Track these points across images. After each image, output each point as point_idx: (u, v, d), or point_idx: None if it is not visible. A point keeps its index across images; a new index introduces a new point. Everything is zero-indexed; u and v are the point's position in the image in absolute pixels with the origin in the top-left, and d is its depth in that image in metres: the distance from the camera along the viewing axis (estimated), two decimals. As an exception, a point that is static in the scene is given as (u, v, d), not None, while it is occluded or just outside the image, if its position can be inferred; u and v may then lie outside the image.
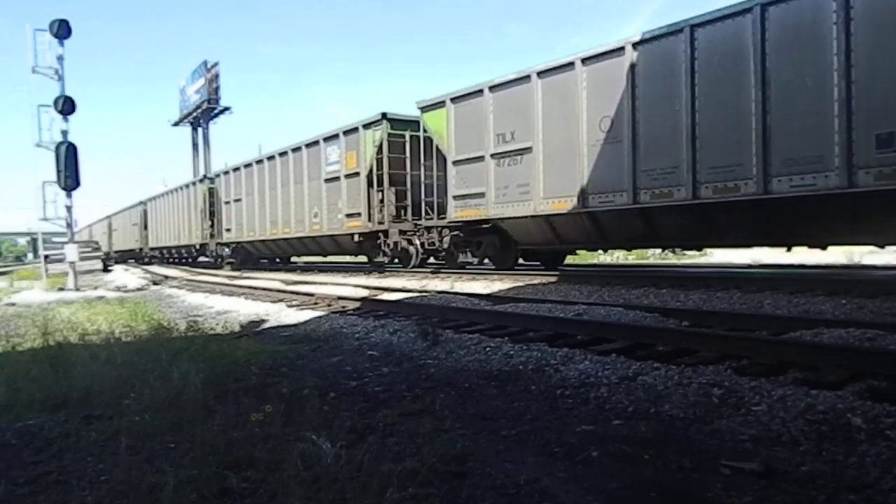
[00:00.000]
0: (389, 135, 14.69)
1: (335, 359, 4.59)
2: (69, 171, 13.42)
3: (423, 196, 14.87)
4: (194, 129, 51.89)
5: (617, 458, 2.38)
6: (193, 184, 26.75)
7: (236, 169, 22.36)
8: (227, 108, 49.44)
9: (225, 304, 9.28)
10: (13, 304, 10.56)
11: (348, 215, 15.84)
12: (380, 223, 14.95)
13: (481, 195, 11.77)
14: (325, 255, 19.85)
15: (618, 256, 20.49)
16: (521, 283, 10.10)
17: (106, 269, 25.11)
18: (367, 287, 10.53)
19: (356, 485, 2.06)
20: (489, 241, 12.34)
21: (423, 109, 13.17)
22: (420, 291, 9.17)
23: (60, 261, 16.26)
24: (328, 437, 2.41)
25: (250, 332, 6.22)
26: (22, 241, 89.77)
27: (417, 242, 14.31)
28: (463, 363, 4.18)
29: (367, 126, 14.95)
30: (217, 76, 48.46)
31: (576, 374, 3.63)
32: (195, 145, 51.79)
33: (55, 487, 2.28)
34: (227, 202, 22.74)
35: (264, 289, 11.02)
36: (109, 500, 2.13)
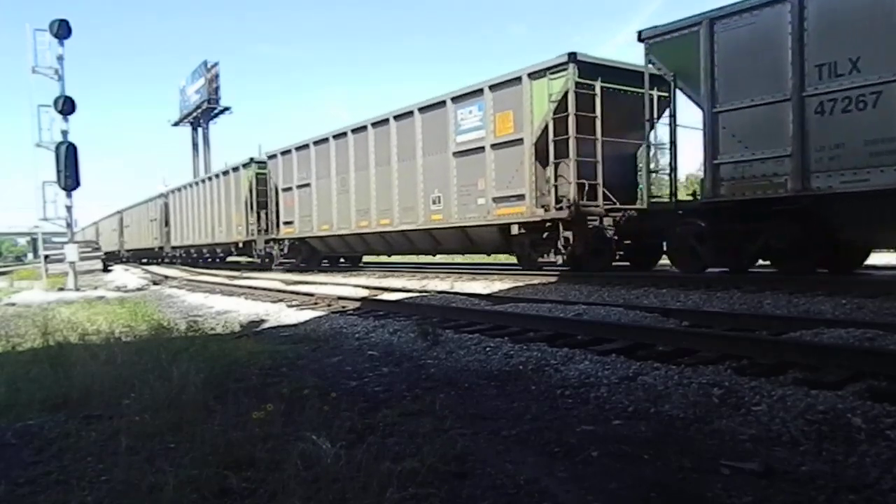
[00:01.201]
0: (577, 84, 10.46)
1: (335, 359, 4.59)
2: (69, 171, 13.42)
3: (618, 172, 11.09)
4: (194, 130, 51.95)
5: (617, 458, 2.38)
6: (235, 169, 22.17)
7: (302, 147, 17.92)
8: (227, 109, 49.55)
9: (225, 304, 9.29)
10: (13, 304, 10.56)
11: (498, 199, 11.76)
12: (557, 209, 10.71)
13: (779, 159, 7.67)
14: (434, 254, 15.77)
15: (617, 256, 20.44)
16: (521, 283, 10.10)
17: (106, 269, 25.11)
18: (367, 287, 10.53)
19: (356, 485, 2.06)
20: (789, 233, 7.97)
21: (651, 41, 9.12)
22: (420, 291, 9.17)
23: (60, 261, 16.27)
24: (328, 437, 2.41)
25: (250, 332, 6.22)
26: (22, 241, 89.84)
27: (611, 236, 10.71)
28: (463, 363, 4.18)
29: (536, 75, 10.93)
30: (217, 76, 48.54)
31: (576, 374, 3.63)
32: (195, 145, 51.85)
33: (55, 487, 2.28)
34: (287, 189, 18.64)
35: (264, 289, 11.02)
36: (109, 500, 2.13)
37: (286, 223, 19.11)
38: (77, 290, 13.15)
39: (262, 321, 7.16)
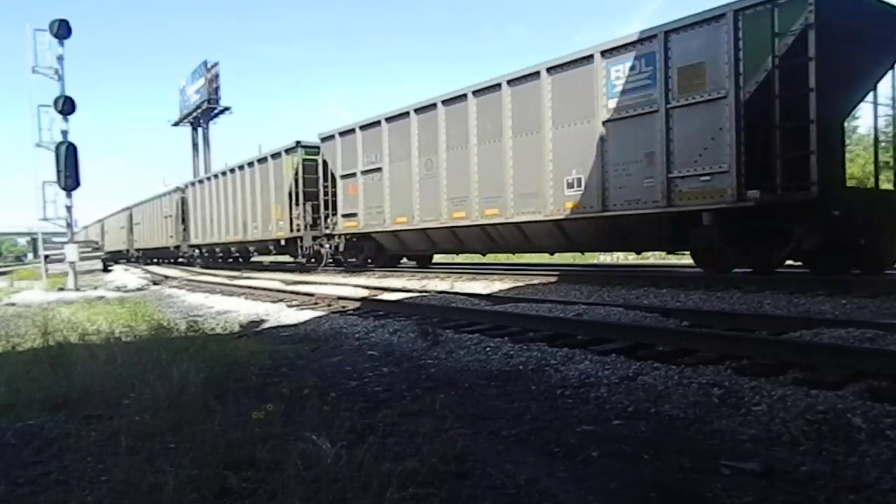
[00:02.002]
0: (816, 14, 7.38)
1: (335, 359, 4.59)
2: (69, 171, 13.42)
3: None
4: (194, 130, 51.92)
5: (617, 457, 2.38)
6: (276, 155, 18.89)
7: (369, 125, 14.79)
8: (226, 109, 49.51)
9: (225, 304, 9.29)
10: (13, 304, 10.56)
11: (679, 179, 8.68)
12: (787, 189, 7.78)
13: None
14: (553, 253, 12.88)
15: (617, 256, 20.51)
16: (521, 283, 10.10)
17: (106, 269, 25.10)
18: (367, 287, 10.53)
19: (356, 485, 2.06)
20: None
21: None
22: (420, 291, 9.17)
23: (60, 261, 16.27)
24: (328, 437, 2.41)
25: (250, 332, 6.22)
26: (22, 241, 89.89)
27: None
28: (463, 363, 4.18)
29: (750, 8, 7.91)
30: (217, 76, 48.50)
31: (576, 374, 3.63)
32: (195, 145, 51.83)
33: (55, 487, 2.28)
34: (349, 175, 15.57)
35: (264, 289, 11.03)
36: (109, 500, 2.13)
37: (347, 216, 15.87)
38: (77, 290, 13.16)
39: (262, 321, 7.16)
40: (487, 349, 4.44)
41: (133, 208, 38.04)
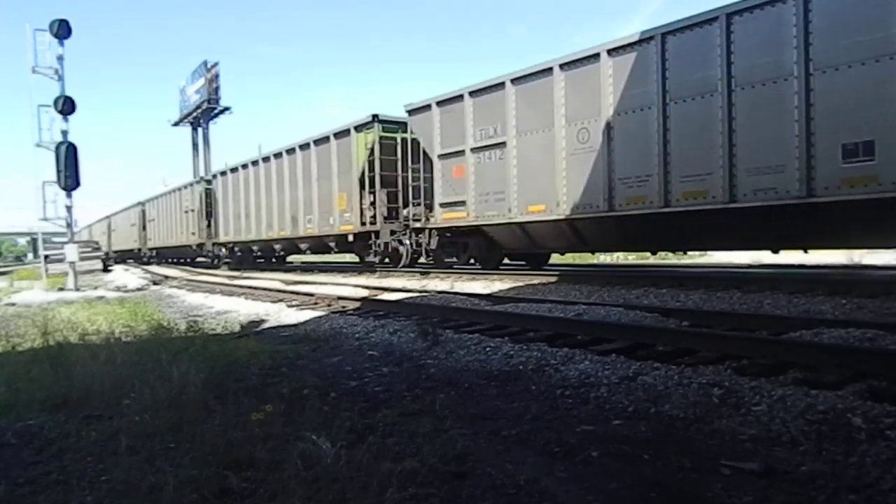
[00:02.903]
0: None
1: (335, 359, 4.59)
2: (69, 171, 13.42)
3: None
4: (194, 130, 51.89)
5: (617, 457, 2.38)
6: (341, 134, 15.53)
7: (483, 89, 11.70)
8: (227, 109, 49.43)
9: (225, 304, 9.28)
10: (13, 304, 10.56)
11: None
12: None
13: None
14: (771, 250, 9.04)
15: (617, 257, 20.53)
16: (521, 283, 10.10)
17: (106, 269, 25.09)
18: (367, 287, 10.53)
19: (356, 485, 2.06)
20: None
21: None
22: (420, 291, 9.17)
23: (60, 261, 16.27)
24: (328, 437, 2.42)
25: (250, 332, 6.22)
26: (22, 241, 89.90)
27: None
28: (463, 363, 4.18)
29: None
30: (217, 76, 48.45)
31: (576, 374, 3.63)
32: (195, 145, 51.78)
33: (55, 487, 2.28)
34: (452, 154, 12.23)
35: (264, 289, 11.02)
36: (109, 500, 2.13)
37: (448, 205, 12.53)
38: (77, 290, 13.15)
39: (262, 321, 7.16)
40: (487, 349, 4.44)
41: (146, 203, 34.17)
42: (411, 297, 8.33)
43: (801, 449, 2.37)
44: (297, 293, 9.57)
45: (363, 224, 15.23)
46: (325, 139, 16.59)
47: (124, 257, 38.05)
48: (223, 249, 23.93)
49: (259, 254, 22.48)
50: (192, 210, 25.80)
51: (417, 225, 14.05)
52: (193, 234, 25.72)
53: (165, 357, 3.92)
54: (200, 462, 2.31)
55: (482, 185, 11.91)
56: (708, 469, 2.24)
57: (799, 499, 1.98)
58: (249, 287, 11.82)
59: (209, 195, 24.89)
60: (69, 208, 14.16)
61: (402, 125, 14.91)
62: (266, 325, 6.82)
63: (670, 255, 19.19)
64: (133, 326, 6.32)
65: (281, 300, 9.07)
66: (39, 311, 8.63)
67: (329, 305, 8.08)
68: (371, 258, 15.47)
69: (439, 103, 12.75)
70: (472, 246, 13.03)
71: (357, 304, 7.73)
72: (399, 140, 15.07)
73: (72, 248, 14.38)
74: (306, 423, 2.74)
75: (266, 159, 20.03)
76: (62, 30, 13.36)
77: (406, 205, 14.89)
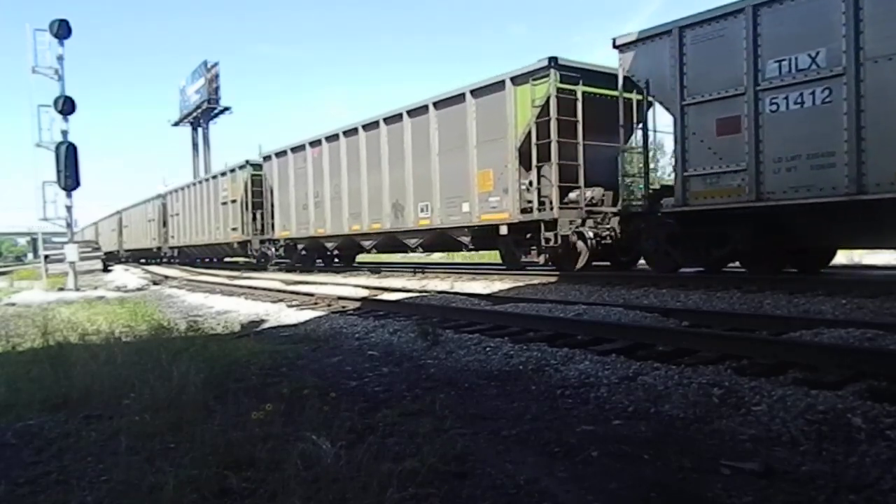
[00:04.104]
0: None
1: (335, 359, 4.59)
2: (69, 171, 13.42)
3: None
4: (194, 130, 51.95)
5: (617, 458, 2.38)
6: (465, 96, 12.09)
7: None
8: (226, 108, 49.54)
9: (225, 304, 9.29)
10: (13, 304, 10.56)
11: None
12: None
13: None
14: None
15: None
16: (521, 283, 10.10)
17: (106, 269, 25.09)
18: (367, 287, 10.53)
19: (356, 485, 2.06)
20: None
21: None
22: (420, 291, 9.18)
23: (60, 261, 16.27)
24: (328, 437, 2.42)
25: (250, 332, 6.22)
26: (22, 241, 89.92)
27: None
28: (463, 363, 4.18)
29: None
30: (217, 76, 48.54)
31: (576, 374, 3.63)
32: (195, 145, 51.86)
33: (55, 487, 2.28)
34: (708, 102, 8.48)
35: (264, 289, 11.03)
36: (109, 500, 2.13)
37: (707, 177, 8.56)
38: (77, 290, 13.15)
39: (262, 321, 7.16)
40: (487, 349, 4.44)
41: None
42: (411, 297, 8.33)
43: (801, 449, 2.37)
44: (297, 293, 9.58)
45: (524, 211, 11.14)
46: (455, 99, 12.30)
47: (139, 257, 35.59)
48: (273, 248, 19.97)
49: (336, 252, 18.09)
50: (233, 201, 21.67)
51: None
52: (234, 229, 21.65)
53: (165, 357, 3.93)
54: (200, 462, 2.31)
55: (780, 145, 7.89)
56: (708, 469, 2.24)
57: (799, 499, 1.98)
58: (249, 287, 11.82)
59: (257, 182, 20.63)
60: (69, 208, 14.16)
61: (584, 74, 10.98)
62: (266, 325, 6.82)
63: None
64: (133, 326, 6.32)
65: (281, 300, 9.07)
66: (39, 311, 8.63)
67: (329, 305, 8.08)
68: (533, 258, 11.49)
69: (690, 26, 8.73)
70: (739, 238, 8.67)
71: (357, 304, 7.73)
72: (580, 95, 10.92)
73: (72, 248, 14.38)
74: (306, 423, 2.74)
75: (351, 132, 15.51)
76: (62, 30, 13.36)
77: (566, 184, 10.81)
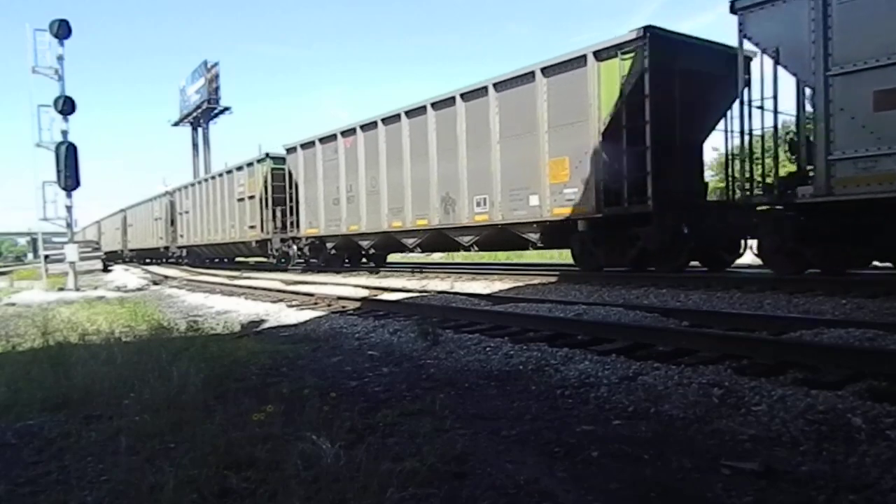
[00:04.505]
0: None
1: (335, 359, 4.59)
2: (69, 171, 13.42)
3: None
4: (194, 130, 51.93)
5: (617, 458, 2.38)
6: (535, 75, 10.66)
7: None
8: (226, 109, 49.50)
9: (225, 304, 9.29)
10: (13, 304, 10.56)
11: None
12: None
13: None
14: None
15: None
16: (521, 283, 10.10)
17: (106, 269, 25.09)
18: (367, 287, 10.53)
19: (356, 485, 2.06)
20: None
21: None
22: (420, 291, 9.17)
23: (60, 261, 16.27)
24: (328, 437, 2.41)
25: (250, 332, 6.22)
26: (22, 241, 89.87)
27: None
28: (463, 363, 4.18)
29: None
30: (217, 76, 48.51)
31: (576, 374, 3.63)
32: (195, 145, 51.83)
33: (55, 487, 2.28)
34: (853, 74, 7.03)
35: (264, 289, 11.03)
36: (109, 500, 2.13)
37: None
38: (77, 290, 13.15)
39: (262, 321, 7.16)
40: (487, 349, 4.44)
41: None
42: (411, 297, 8.33)
43: (801, 449, 2.37)
44: (297, 293, 9.58)
45: (610, 204, 9.66)
46: (521, 79, 10.85)
47: (145, 257, 34.68)
48: (295, 247, 18.53)
49: (371, 251, 16.22)
50: (251, 197, 20.25)
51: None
52: (252, 227, 20.19)
53: (165, 357, 3.93)
54: (200, 462, 2.31)
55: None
56: (708, 469, 2.24)
57: (799, 499, 1.98)
58: (249, 287, 11.82)
59: (278, 176, 19.21)
60: (69, 208, 14.16)
61: (682, 47, 9.57)
62: (266, 325, 6.82)
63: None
64: (133, 326, 6.32)
65: (281, 300, 9.07)
66: (39, 311, 8.63)
67: (329, 305, 8.08)
68: (615, 257, 10.27)
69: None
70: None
71: (357, 304, 7.73)
72: (677, 70, 9.46)
73: (72, 248, 14.38)
74: (306, 423, 2.74)
75: (391, 119, 14.03)
76: (62, 30, 13.36)
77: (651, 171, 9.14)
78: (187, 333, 5.53)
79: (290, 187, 18.57)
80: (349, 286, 10.88)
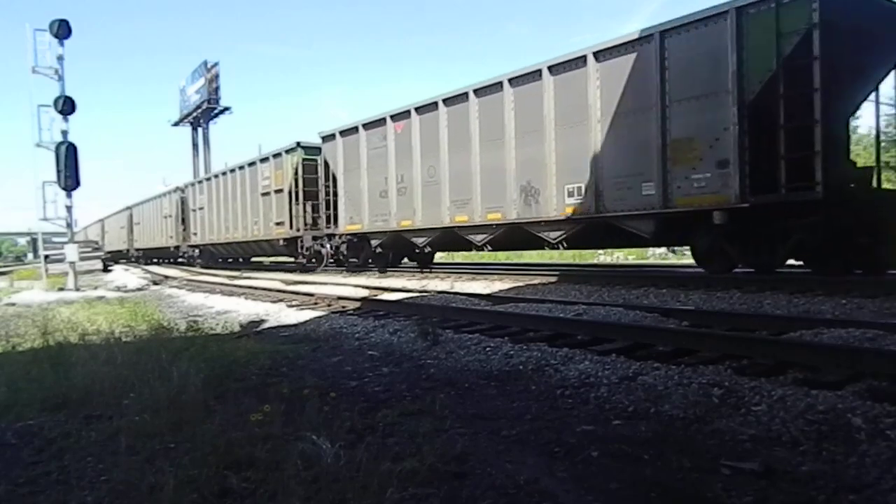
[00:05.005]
0: None
1: (335, 359, 4.59)
2: (69, 171, 13.43)
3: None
4: (194, 130, 51.93)
5: (617, 458, 2.38)
6: (653, 40, 8.72)
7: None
8: (226, 109, 49.49)
9: (225, 304, 9.29)
10: (13, 304, 10.56)
11: None
12: None
13: None
14: None
15: (617, 256, 20.54)
16: (521, 283, 10.10)
17: (106, 269, 25.09)
18: (367, 287, 10.53)
19: (356, 485, 2.06)
20: None
21: None
22: (420, 291, 9.17)
23: (60, 261, 16.27)
24: (328, 437, 2.42)
25: (250, 332, 6.22)
26: (22, 241, 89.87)
27: None
28: (463, 363, 4.18)
29: None
30: (217, 76, 48.49)
31: (576, 374, 3.63)
32: (195, 145, 51.83)
33: (55, 487, 2.28)
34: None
35: (264, 289, 11.03)
36: (109, 500, 2.13)
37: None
38: (77, 290, 13.15)
39: (262, 321, 7.16)
40: (487, 349, 4.44)
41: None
42: (411, 297, 8.33)
43: (801, 449, 2.37)
44: (297, 293, 9.58)
45: (759, 192, 7.91)
46: (629, 46, 9.10)
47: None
48: (328, 245, 16.88)
49: (427, 249, 13.91)
50: (278, 191, 18.26)
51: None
52: (279, 223, 18.29)
53: (165, 357, 3.93)
54: (200, 462, 2.31)
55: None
56: (708, 469, 2.24)
57: (799, 499, 1.98)
58: (249, 287, 11.82)
59: (310, 168, 17.44)
60: (69, 208, 14.16)
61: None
62: (266, 325, 6.82)
63: (670, 255, 19.20)
64: (133, 326, 6.32)
65: (281, 300, 9.07)
66: (39, 311, 8.63)
67: (329, 305, 8.08)
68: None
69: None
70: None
71: (357, 304, 7.73)
72: (844, 27, 7.70)
73: (72, 248, 14.38)
74: (306, 423, 2.74)
75: (455, 99, 12.15)
76: (62, 30, 13.36)
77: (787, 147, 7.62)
78: (187, 333, 5.53)
79: (326, 179, 16.97)
80: (349, 286, 10.88)
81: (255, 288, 11.44)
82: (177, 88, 53.54)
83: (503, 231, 11.42)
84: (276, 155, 18.50)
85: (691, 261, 10.05)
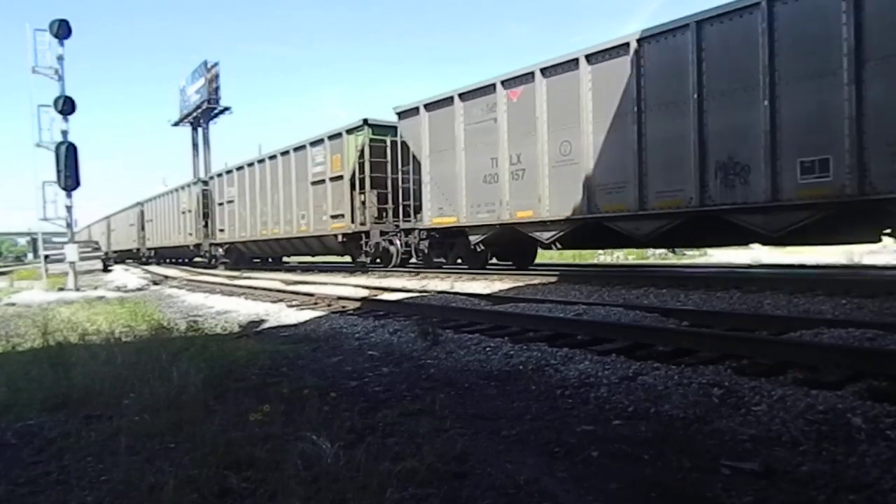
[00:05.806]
0: None
1: (335, 359, 4.59)
2: (69, 171, 13.42)
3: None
4: (194, 130, 51.89)
5: (617, 458, 2.38)
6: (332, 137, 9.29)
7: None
8: (227, 109, 49.43)
9: (225, 304, 9.28)
10: (13, 304, 10.56)
11: None
12: None
13: None
14: None
15: (617, 256, 20.54)
16: (521, 283, 10.09)
17: (106, 269, 25.08)
18: (367, 287, 10.53)
19: (356, 485, 2.06)
20: None
21: None
22: (420, 291, 9.17)
23: (60, 261, 16.27)
24: (328, 437, 2.42)
25: (250, 332, 6.22)
26: (22, 241, 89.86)
27: None
28: (463, 363, 4.18)
29: None
30: (217, 76, 48.45)
31: (576, 374, 3.63)
32: (195, 145, 51.78)
33: (55, 487, 2.28)
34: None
35: (264, 289, 11.03)
36: (109, 500, 2.13)
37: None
38: (77, 290, 13.15)
39: (262, 321, 7.16)
40: (487, 349, 4.44)
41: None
42: (411, 297, 8.33)
43: (801, 449, 2.37)
44: (297, 293, 9.57)
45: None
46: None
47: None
48: (399, 242, 14.34)
49: (556, 246, 11.24)
50: (335, 178, 15.72)
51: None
52: (337, 216, 15.67)
53: (165, 357, 3.93)
54: (200, 462, 2.31)
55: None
56: (708, 469, 2.24)
57: (799, 499, 1.98)
58: (249, 287, 11.82)
59: (378, 151, 15.01)
60: (69, 208, 14.16)
61: None
62: (266, 325, 6.82)
63: (670, 255, 19.19)
64: (133, 326, 6.32)
65: (281, 300, 9.07)
66: (39, 311, 8.63)
67: (329, 305, 8.08)
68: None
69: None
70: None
71: (357, 304, 7.73)
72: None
73: (72, 248, 14.38)
74: (306, 423, 2.74)
75: (601, 55, 9.50)
76: (62, 30, 13.36)
77: None
78: (187, 333, 5.53)
79: (403, 164, 14.50)
80: (349, 286, 10.88)
81: (255, 288, 11.44)
82: (177, 88, 53.51)
83: (682, 221, 8.69)
84: (335, 136, 15.58)
85: (691, 261, 10.04)
